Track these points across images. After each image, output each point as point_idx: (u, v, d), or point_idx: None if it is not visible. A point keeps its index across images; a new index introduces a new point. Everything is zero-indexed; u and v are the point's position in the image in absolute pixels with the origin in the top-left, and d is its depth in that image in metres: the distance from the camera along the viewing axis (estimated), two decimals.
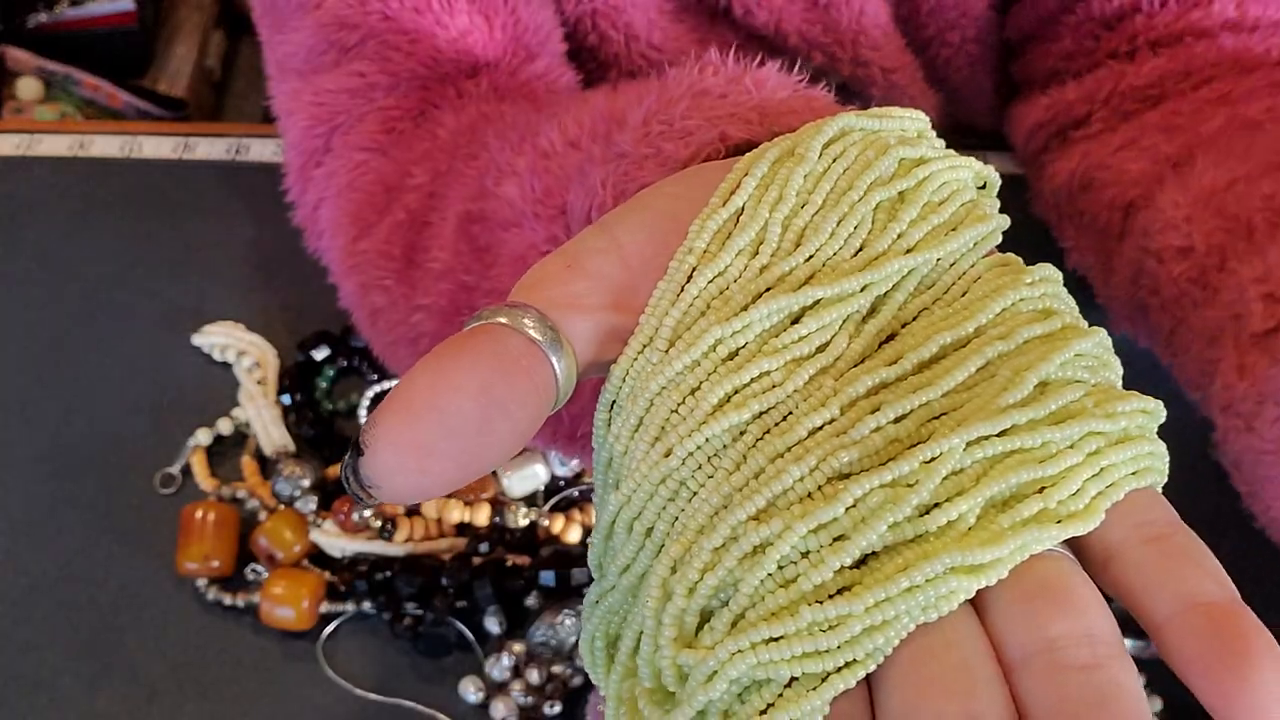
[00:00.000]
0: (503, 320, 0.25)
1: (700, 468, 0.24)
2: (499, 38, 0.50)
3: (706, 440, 0.24)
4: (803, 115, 0.34)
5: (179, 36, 1.16)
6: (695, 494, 0.24)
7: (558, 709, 0.51)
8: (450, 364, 0.24)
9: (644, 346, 0.25)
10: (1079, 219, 0.55)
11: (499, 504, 0.55)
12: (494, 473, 0.56)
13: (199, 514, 0.54)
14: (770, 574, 0.22)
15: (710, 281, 0.25)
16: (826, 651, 0.22)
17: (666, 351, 0.25)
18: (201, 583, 0.54)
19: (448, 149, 0.48)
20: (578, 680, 0.51)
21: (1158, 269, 0.49)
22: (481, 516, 0.54)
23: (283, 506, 0.55)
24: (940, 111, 0.66)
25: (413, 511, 0.55)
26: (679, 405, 0.24)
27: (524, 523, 0.54)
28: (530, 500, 0.56)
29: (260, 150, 0.69)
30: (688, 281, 0.26)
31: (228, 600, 0.54)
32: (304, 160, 0.52)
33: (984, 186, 0.32)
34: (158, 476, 0.57)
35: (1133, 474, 0.24)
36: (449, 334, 0.45)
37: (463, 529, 0.55)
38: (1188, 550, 0.25)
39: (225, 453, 0.58)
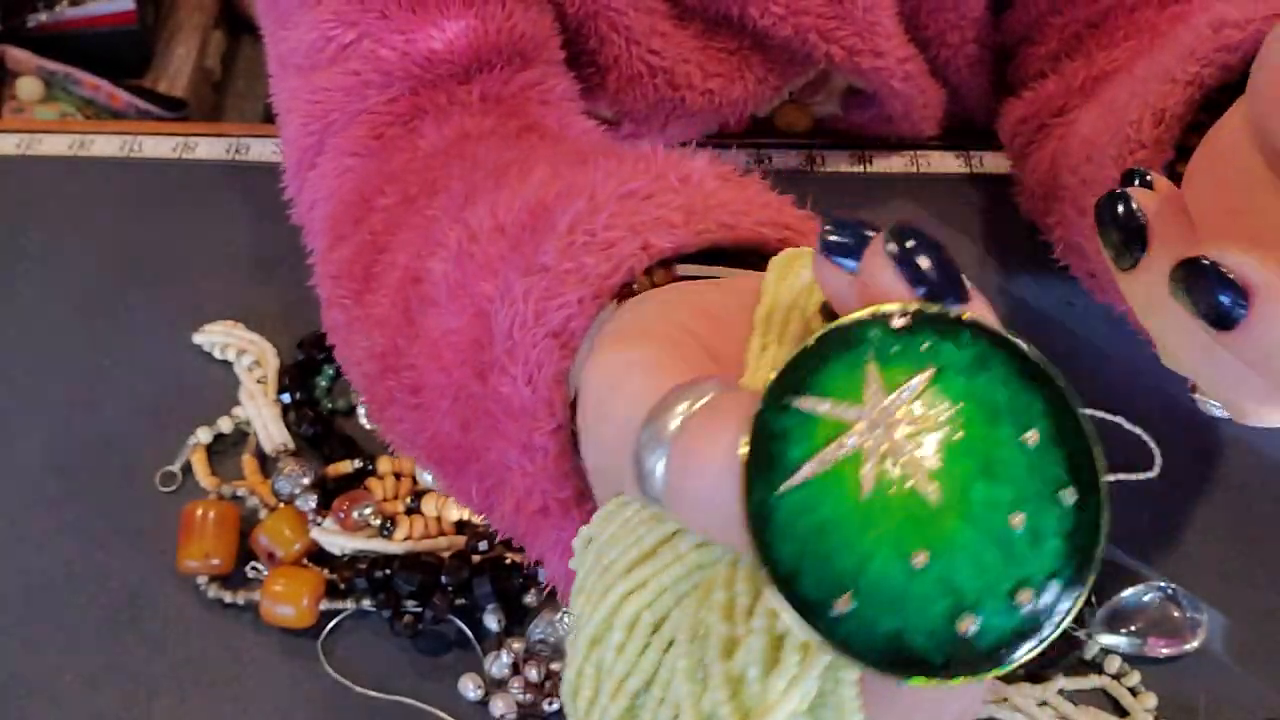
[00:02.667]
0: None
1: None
2: (494, 41, 0.50)
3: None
4: (732, 206, 0.34)
5: (179, 36, 1.16)
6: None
7: (556, 706, 0.51)
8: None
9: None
10: (1060, 197, 0.55)
11: None
12: None
13: (199, 512, 0.54)
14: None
15: None
16: None
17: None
18: (202, 581, 0.54)
19: (421, 170, 0.48)
20: None
21: None
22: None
23: (283, 504, 0.56)
24: (945, 106, 0.66)
25: (412, 510, 0.56)
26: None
27: None
28: None
29: (260, 150, 0.69)
30: None
31: (228, 598, 0.54)
32: (299, 158, 0.52)
33: None
34: (158, 475, 0.57)
35: None
36: (378, 387, 0.44)
37: (462, 527, 0.55)
38: None
39: (226, 451, 0.59)
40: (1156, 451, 0.57)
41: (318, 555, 0.55)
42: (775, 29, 0.58)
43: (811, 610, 0.20)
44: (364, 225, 0.47)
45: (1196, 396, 0.52)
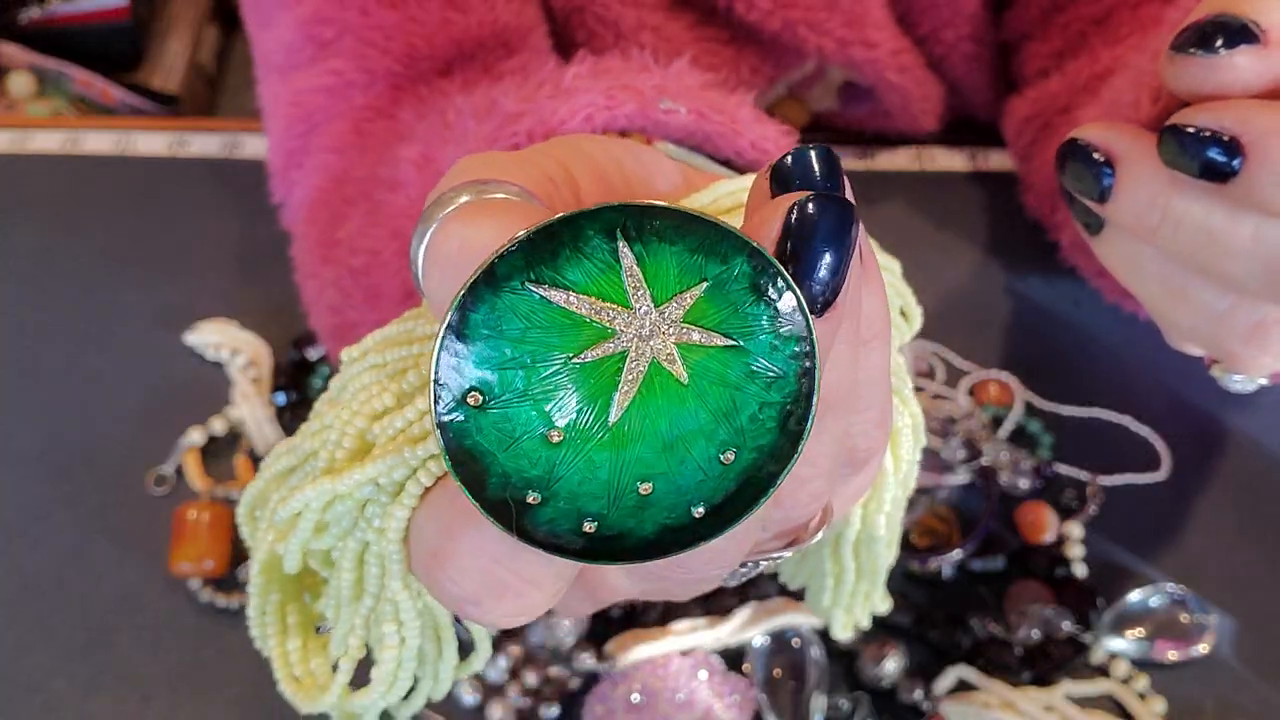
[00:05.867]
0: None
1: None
2: (476, 34, 0.50)
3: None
4: (709, 98, 0.36)
5: (173, 31, 1.15)
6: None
7: (555, 711, 0.50)
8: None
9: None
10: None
11: None
12: None
13: (192, 514, 0.54)
14: None
15: None
16: None
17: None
18: (195, 584, 0.54)
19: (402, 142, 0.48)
20: (575, 682, 0.51)
21: None
22: None
23: None
24: (944, 99, 0.65)
25: None
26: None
27: None
28: None
29: (255, 146, 0.68)
30: None
31: (221, 601, 0.53)
32: (285, 161, 0.52)
33: None
34: (150, 476, 0.57)
35: None
36: (353, 305, 0.46)
37: None
38: None
39: (219, 452, 0.58)
40: (1164, 453, 0.56)
41: None
42: (764, 23, 0.57)
43: (444, 387, 0.21)
44: (335, 200, 0.48)
45: (1214, 371, 0.51)
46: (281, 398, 0.58)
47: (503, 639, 0.52)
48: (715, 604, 0.52)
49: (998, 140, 0.63)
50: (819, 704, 0.50)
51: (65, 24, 1.08)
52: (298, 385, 0.59)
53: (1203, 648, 0.51)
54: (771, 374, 0.22)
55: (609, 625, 0.52)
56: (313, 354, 0.59)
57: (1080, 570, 0.53)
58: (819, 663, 0.51)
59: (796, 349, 0.22)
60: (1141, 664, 0.51)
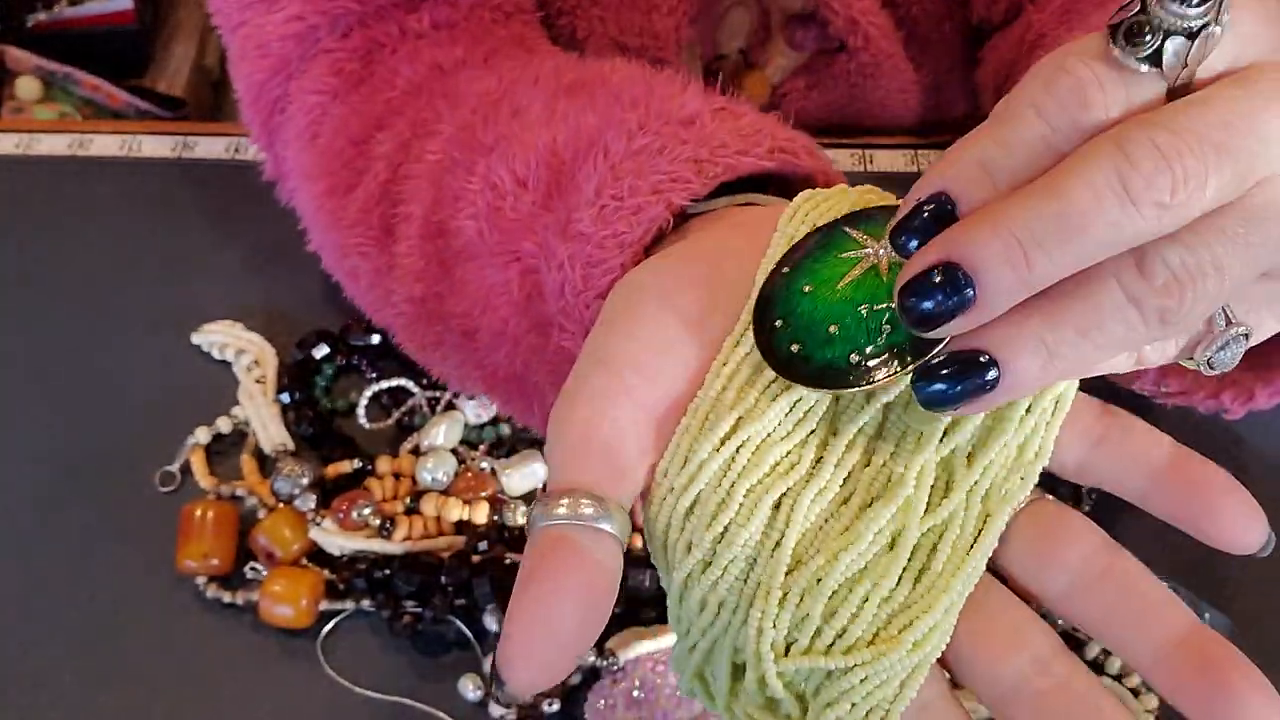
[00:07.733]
0: (572, 521, 0.29)
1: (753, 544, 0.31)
2: None
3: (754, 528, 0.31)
4: (733, 146, 0.38)
5: (178, 35, 1.16)
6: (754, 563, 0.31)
7: (556, 707, 0.51)
8: (551, 600, 0.29)
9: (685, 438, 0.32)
10: None
11: (498, 502, 0.55)
12: (492, 470, 0.56)
13: (198, 512, 0.54)
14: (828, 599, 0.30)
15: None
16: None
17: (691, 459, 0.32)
18: (201, 581, 0.54)
19: (407, 109, 0.48)
20: (575, 678, 0.52)
21: None
22: (480, 514, 0.55)
23: (282, 505, 0.56)
24: (905, 55, 0.64)
25: (412, 510, 0.55)
26: (723, 495, 0.31)
27: (523, 520, 0.55)
28: (529, 498, 0.56)
29: None
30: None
31: (227, 598, 0.54)
32: (268, 112, 0.52)
33: None
34: (157, 475, 0.57)
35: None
36: (422, 330, 0.47)
37: (461, 527, 0.55)
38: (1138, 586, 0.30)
39: (225, 451, 0.58)
40: None
41: (317, 555, 0.55)
42: None
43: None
44: (367, 173, 0.48)
45: None
46: (286, 397, 0.59)
47: None
48: None
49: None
50: None
51: (71, 28, 1.09)
52: (302, 385, 0.59)
53: None
54: None
55: (609, 622, 0.53)
56: (317, 354, 0.60)
57: None
58: None
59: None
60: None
